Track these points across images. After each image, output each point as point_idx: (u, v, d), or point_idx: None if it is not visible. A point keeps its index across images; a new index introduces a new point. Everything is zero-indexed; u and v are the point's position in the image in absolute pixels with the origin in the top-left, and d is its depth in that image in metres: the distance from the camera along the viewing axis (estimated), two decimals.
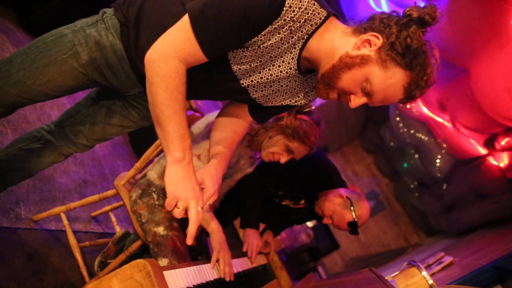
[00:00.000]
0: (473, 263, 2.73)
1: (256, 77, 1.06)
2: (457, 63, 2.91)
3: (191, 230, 0.92)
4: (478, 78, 2.75)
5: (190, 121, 1.73)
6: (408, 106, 4.30)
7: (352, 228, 1.75)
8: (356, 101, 1.02)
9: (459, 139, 3.84)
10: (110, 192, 1.73)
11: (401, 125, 4.77)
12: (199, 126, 1.65)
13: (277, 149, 1.57)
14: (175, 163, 0.94)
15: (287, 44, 0.96)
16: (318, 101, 5.15)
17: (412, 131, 4.58)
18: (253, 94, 1.12)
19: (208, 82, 1.11)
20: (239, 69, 1.02)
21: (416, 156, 4.96)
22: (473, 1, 2.36)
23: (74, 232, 1.86)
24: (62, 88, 1.11)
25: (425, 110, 4.13)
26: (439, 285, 1.75)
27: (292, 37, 0.95)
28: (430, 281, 1.61)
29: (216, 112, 1.68)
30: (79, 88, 1.16)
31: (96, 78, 1.12)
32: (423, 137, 4.47)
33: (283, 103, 1.19)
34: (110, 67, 1.10)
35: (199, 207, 0.94)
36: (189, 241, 0.93)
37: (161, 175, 1.63)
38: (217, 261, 1.26)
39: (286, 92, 1.14)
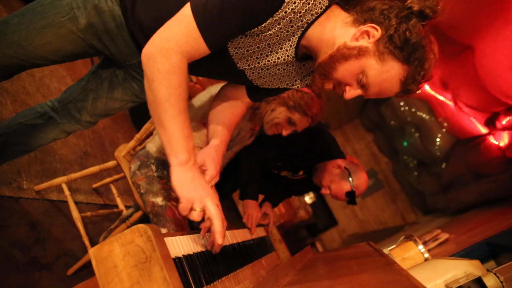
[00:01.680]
0: (468, 240, 2.78)
1: (253, 62, 1.04)
2: (462, 40, 2.86)
3: (218, 227, 0.91)
4: (482, 55, 2.72)
5: (191, 93, 1.71)
6: None
7: (350, 198, 1.77)
8: (351, 92, 1.00)
9: (460, 118, 3.83)
10: (111, 163, 1.74)
11: (402, 103, 4.74)
12: (201, 99, 1.64)
13: (279, 121, 1.57)
14: (181, 165, 0.91)
15: (286, 33, 0.95)
16: None
17: (413, 110, 4.56)
18: (250, 76, 1.11)
19: (206, 63, 1.09)
20: (236, 53, 1.01)
21: (417, 135, 4.96)
22: None
23: (76, 203, 1.88)
24: (60, 52, 1.10)
25: (427, 88, 4.10)
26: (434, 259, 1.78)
27: (292, 27, 0.93)
28: (426, 255, 1.64)
29: (219, 85, 1.67)
30: (79, 55, 1.14)
31: (95, 44, 1.10)
32: (424, 115, 4.46)
33: (280, 86, 1.19)
34: (108, 33, 1.08)
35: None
36: (221, 240, 0.93)
37: (160, 147, 1.64)
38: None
39: (283, 76, 1.13)
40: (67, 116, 1.37)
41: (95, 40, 1.09)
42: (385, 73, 0.94)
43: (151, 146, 1.66)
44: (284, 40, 0.97)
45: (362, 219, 7.06)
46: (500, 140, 3.56)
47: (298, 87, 1.20)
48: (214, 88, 1.64)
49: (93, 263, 0.80)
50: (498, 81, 2.70)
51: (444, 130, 4.27)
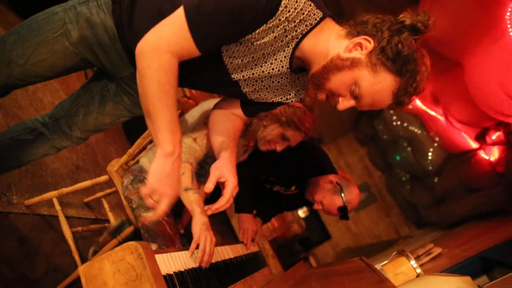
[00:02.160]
0: (461, 254, 2.78)
1: (247, 72, 1.05)
2: (451, 56, 2.92)
3: (148, 218, 1.01)
4: (472, 71, 2.77)
5: (184, 108, 1.72)
6: None
7: (342, 213, 1.77)
8: (344, 103, 1.02)
9: (451, 133, 3.87)
10: (103, 177, 1.73)
11: (394, 117, 4.79)
12: (193, 114, 1.65)
13: (273, 137, 1.58)
14: (164, 156, 0.93)
15: (280, 43, 0.96)
16: None
17: (405, 124, 4.61)
18: (244, 88, 1.12)
19: (200, 73, 1.10)
20: (231, 62, 1.02)
21: (409, 149, 5.01)
22: None
23: (67, 218, 1.86)
24: (55, 68, 1.10)
25: (418, 103, 4.15)
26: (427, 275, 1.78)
27: (286, 36, 0.95)
28: (418, 270, 1.64)
29: (211, 101, 1.68)
30: (73, 69, 1.15)
31: (88, 57, 1.11)
32: (416, 130, 4.51)
33: (274, 100, 1.20)
34: (101, 46, 1.09)
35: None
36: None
37: None
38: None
39: (277, 89, 1.15)
40: (57, 131, 1.36)
41: (88, 53, 1.10)
42: (378, 84, 0.95)
43: (145, 161, 1.66)
44: (278, 51, 0.99)
45: (355, 232, 7.04)
46: (490, 155, 3.60)
47: (292, 101, 1.21)
48: (207, 104, 1.65)
49: (83, 281, 0.79)
50: (487, 97, 2.74)
51: (435, 144, 4.31)
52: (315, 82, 1.00)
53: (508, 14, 2.31)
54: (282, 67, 1.03)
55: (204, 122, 1.55)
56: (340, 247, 6.99)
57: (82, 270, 0.79)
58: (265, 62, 1.02)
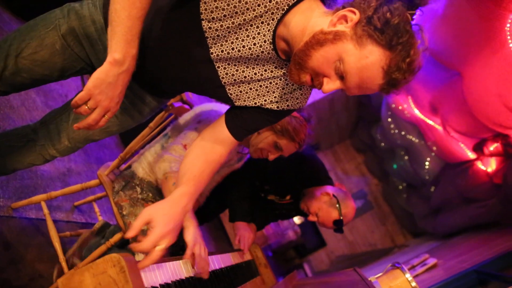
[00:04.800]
0: (457, 266, 2.76)
1: (227, 47, 0.97)
2: (450, 66, 2.91)
3: (80, 125, 0.94)
4: (471, 82, 2.76)
5: (178, 113, 1.69)
6: (400, 107, 4.31)
7: (338, 226, 1.74)
8: (329, 85, 0.92)
9: (449, 143, 3.86)
10: (93, 182, 1.69)
11: (392, 126, 4.77)
12: (185, 118, 1.62)
13: (265, 145, 1.55)
14: (111, 64, 0.89)
15: (263, 8, 0.89)
16: (311, 99, 5.13)
17: (403, 133, 4.59)
18: (229, 90, 1.08)
19: (180, 55, 1.04)
20: (210, 28, 0.94)
21: (406, 157, 4.98)
22: (469, 5, 2.35)
23: (55, 222, 1.82)
24: (46, 64, 1.09)
25: (416, 112, 4.14)
26: (422, 287, 1.75)
27: (271, 1, 0.88)
28: (413, 284, 1.61)
29: (205, 105, 1.65)
30: (64, 69, 1.12)
31: (77, 51, 1.09)
32: (413, 139, 4.49)
33: (258, 101, 1.11)
34: (88, 38, 1.08)
35: (105, 116, 0.95)
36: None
37: (147, 169, 1.60)
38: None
39: (267, 92, 1.09)
40: (45, 136, 1.32)
41: (76, 45, 1.09)
42: (364, 59, 0.86)
43: (137, 166, 1.63)
44: (261, 22, 0.92)
45: (351, 240, 7.00)
46: (487, 166, 3.58)
47: (278, 107, 1.13)
48: (199, 108, 1.62)
49: None
50: (486, 108, 2.73)
51: (433, 154, 4.29)
52: (297, 60, 0.92)
53: (508, 25, 2.30)
54: (265, 42, 0.95)
55: (195, 127, 1.52)
56: (335, 255, 6.94)
57: (61, 282, 0.76)
58: (247, 35, 0.94)
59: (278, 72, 1.06)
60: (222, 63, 1.02)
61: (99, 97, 0.91)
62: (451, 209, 4.45)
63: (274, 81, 1.07)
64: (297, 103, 1.16)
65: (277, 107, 1.13)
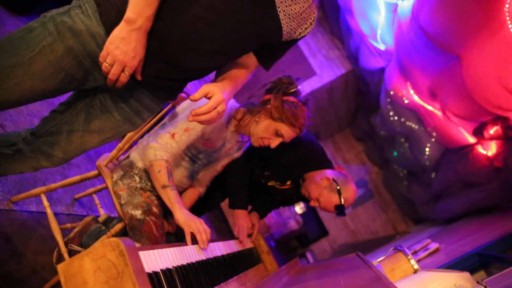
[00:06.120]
0: (458, 250, 2.76)
1: None
2: (449, 50, 2.88)
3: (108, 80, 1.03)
4: (469, 65, 2.73)
5: (176, 102, 1.68)
6: (399, 94, 4.29)
7: (339, 210, 1.74)
8: None
9: (449, 128, 3.84)
10: (92, 173, 1.69)
11: (391, 113, 4.75)
12: (183, 106, 1.61)
13: (266, 134, 1.54)
14: (126, 22, 0.96)
15: None
16: (309, 88, 5.10)
17: (402, 120, 4.57)
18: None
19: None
20: None
21: (406, 144, 4.97)
22: None
23: (56, 214, 1.81)
24: (34, 92, 1.02)
25: (416, 98, 4.12)
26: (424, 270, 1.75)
27: None
28: (416, 266, 1.61)
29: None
30: (55, 91, 1.06)
31: (74, 74, 1.03)
32: (413, 125, 4.47)
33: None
34: (90, 56, 1.02)
35: (125, 71, 1.02)
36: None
37: (144, 158, 1.59)
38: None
39: None
40: (36, 151, 1.25)
41: (74, 68, 1.02)
42: None
43: (135, 156, 1.62)
44: None
45: (353, 229, 7.03)
46: (488, 150, 3.57)
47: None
48: None
49: (62, 279, 0.75)
50: (485, 91, 2.71)
51: (433, 139, 4.28)
52: None
53: (507, 6, 2.27)
54: None
55: (187, 115, 1.51)
56: (338, 243, 6.97)
57: (61, 268, 0.75)
58: None
59: None
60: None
61: (115, 52, 0.97)
62: (452, 194, 4.45)
63: None
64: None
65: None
